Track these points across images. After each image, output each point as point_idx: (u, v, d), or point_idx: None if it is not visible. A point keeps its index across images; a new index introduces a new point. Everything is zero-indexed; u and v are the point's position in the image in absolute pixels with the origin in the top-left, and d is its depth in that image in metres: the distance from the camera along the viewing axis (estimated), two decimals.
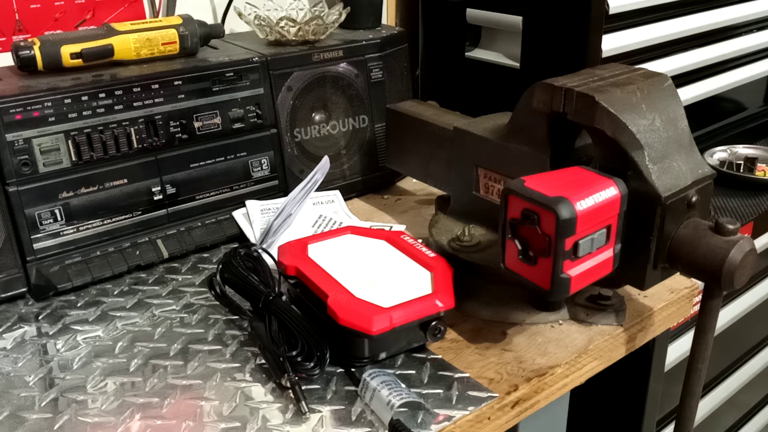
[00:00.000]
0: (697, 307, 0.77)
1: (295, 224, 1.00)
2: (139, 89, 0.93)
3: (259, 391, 0.72)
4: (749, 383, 1.52)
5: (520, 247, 0.65)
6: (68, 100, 0.88)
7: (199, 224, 1.01)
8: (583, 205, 0.61)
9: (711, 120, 1.46)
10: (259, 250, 0.86)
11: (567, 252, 0.61)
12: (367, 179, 1.16)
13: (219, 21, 1.23)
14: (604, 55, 1.10)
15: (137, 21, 1.00)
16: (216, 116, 0.99)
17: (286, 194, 1.05)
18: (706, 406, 1.41)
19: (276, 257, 0.83)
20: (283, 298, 0.80)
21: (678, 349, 1.22)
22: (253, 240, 0.98)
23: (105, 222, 0.93)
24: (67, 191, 0.90)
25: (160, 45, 0.99)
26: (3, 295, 0.88)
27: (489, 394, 0.70)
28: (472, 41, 1.31)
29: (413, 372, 0.74)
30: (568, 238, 0.61)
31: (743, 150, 1.39)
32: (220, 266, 0.84)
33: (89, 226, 0.92)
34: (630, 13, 1.14)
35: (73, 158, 0.90)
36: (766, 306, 1.45)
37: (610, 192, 0.64)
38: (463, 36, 1.30)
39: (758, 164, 1.34)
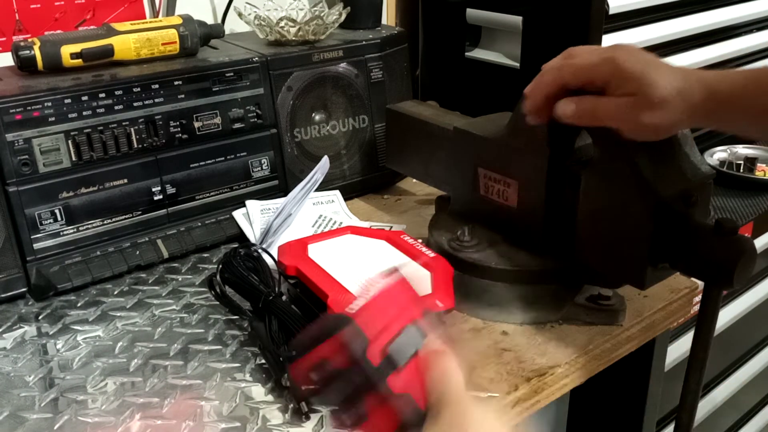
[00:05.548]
0: (697, 307, 0.77)
1: (295, 224, 1.00)
2: (139, 89, 0.93)
3: (259, 391, 0.72)
4: (749, 383, 1.52)
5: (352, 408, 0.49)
6: (68, 100, 0.88)
7: (199, 224, 1.01)
8: (356, 304, 0.49)
9: None
10: (259, 250, 0.86)
11: (381, 365, 0.48)
12: (367, 179, 1.16)
13: (219, 21, 1.23)
14: None
15: (137, 21, 1.00)
16: (216, 116, 0.99)
17: (286, 194, 1.04)
18: (706, 406, 1.41)
19: (276, 257, 0.83)
20: (283, 298, 0.80)
21: (678, 349, 1.22)
22: (253, 240, 0.98)
23: (105, 222, 0.93)
24: (67, 191, 0.90)
25: (160, 45, 0.99)
26: (3, 295, 0.88)
27: (489, 394, 0.70)
28: (472, 41, 1.31)
29: None
30: (368, 348, 0.47)
31: (743, 150, 1.39)
32: (220, 266, 0.84)
33: (89, 226, 0.92)
34: (630, 13, 1.14)
35: (73, 158, 0.89)
36: (766, 306, 1.45)
37: (384, 280, 0.51)
38: (463, 36, 1.30)
39: (758, 164, 1.34)
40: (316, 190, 1.04)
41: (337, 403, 0.49)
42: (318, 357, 0.48)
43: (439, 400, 0.48)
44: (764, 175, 1.32)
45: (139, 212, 0.96)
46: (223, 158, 1.01)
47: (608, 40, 1.10)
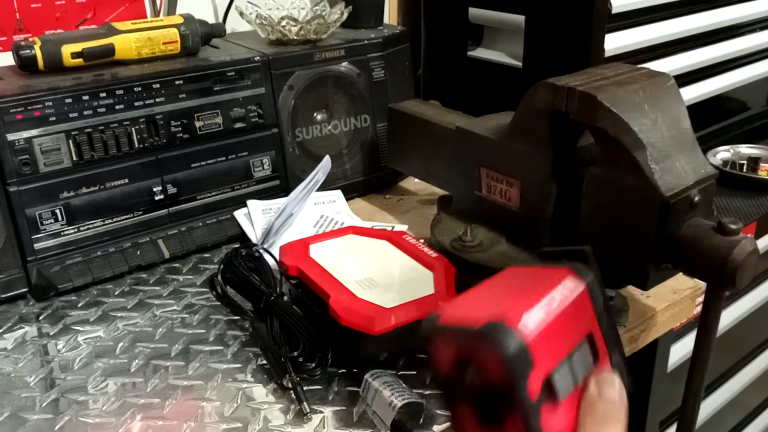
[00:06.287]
0: (700, 308, 0.76)
1: (297, 224, 1.00)
2: (140, 89, 0.93)
3: (261, 392, 0.72)
4: (752, 384, 1.52)
5: (474, 409, 0.41)
6: (69, 100, 0.88)
7: (201, 224, 1.00)
8: (532, 319, 0.39)
9: (714, 120, 1.46)
10: (261, 250, 0.86)
11: (538, 399, 0.39)
12: (368, 179, 1.16)
13: (220, 20, 1.23)
14: (607, 54, 1.10)
15: (138, 20, 1.00)
16: (217, 116, 0.99)
17: (287, 194, 1.04)
18: (709, 406, 1.40)
19: (277, 257, 0.83)
20: (285, 298, 0.79)
21: (681, 350, 1.22)
22: (254, 240, 0.98)
23: (106, 222, 0.93)
24: (67, 191, 0.90)
25: (161, 44, 0.99)
26: (4, 296, 0.88)
27: None
28: (474, 40, 1.31)
29: (415, 373, 0.73)
30: (531, 375, 0.38)
31: (746, 150, 1.39)
32: (222, 266, 0.84)
33: (90, 226, 0.92)
34: (632, 13, 1.14)
35: (74, 158, 0.89)
36: None
37: (568, 286, 0.42)
38: (466, 35, 1.30)
39: (761, 164, 1.34)
40: (318, 190, 1.04)
41: (467, 403, 0.41)
42: (466, 353, 0.40)
43: None
44: (767, 175, 1.31)
45: (140, 212, 0.96)
46: (224, 158, 1.01)
47: (611, 39, 1.10)
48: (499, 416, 0.39)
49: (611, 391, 0.41)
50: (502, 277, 0.46)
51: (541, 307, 0.40)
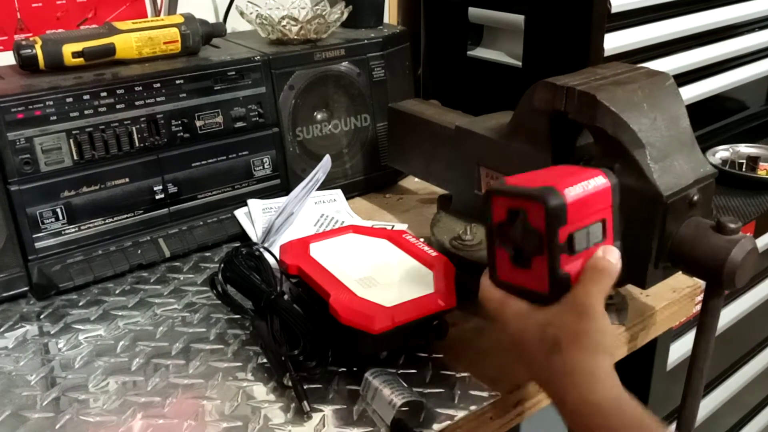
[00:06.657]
0: (699, 307, 0.77)
1: (297, 223, 1.00)
2: (140, 88, 0.93)
3: (261, 391, 0.72)
4: (751, 383, 1.52)
5: (512, 252, 0.60)
6: (70, 99, 0.88)
7: (201, 223, 1.01)
8: (571, 191, 0.56)
9: (713, 119, 1.46)
10: (261, 249, 0.86)
11: (562, 246, 0.57)
12: (368, 178, 1.16)
13: (221, 20, 1.23)
14: (606, 54, 1.10)
15: (139, 20, 1.00)
16: (218, 115, 0.99)
17: (287, 193, 1.05)
18: (707, 405, 1.41)
19: (278, 256, 0.83)
20: (285, 297, 0.80)
21: (680, 349, 1.22)
22: (254, 239, 0.98)
23: (107, 221, 0.93)
24: (68, 190, 0.90)
25: (162, 44, 0.99)
26: (4, 294, 0.88)
27: (491, 394, 0.70)
28: (474, 40, 1.31)
29: (415, 371, 0.74)
30: (561, 228, 0.56)
31: (745, 149, 1.39)
32: (222, 265, 0.84)
33: (91, 225, 0.92)
34: (632, 12, 1.14)
35: (75, 157, 0.90)
36: (767, 305, 1.45)
37: (598, 181, 0.59)
38: (465, 35, 1.30)
39: (760, 163, 1.34)
40: (318, 189, 1.04)
41: (507, 248, 0.60)
42: (519, 206, 0.58)
43: (580, 294, 0.57)
44: (766, 174, 1.32)
45: (141, 211, 0.96)
46: (224, 157, 1.01)
47: (610, 39, 1.10)
48: (528, 260, 0.58)
49: (611, 257, 0.58)
50: (553, 167, 0.64)
51: (579, 186, 0.57)
